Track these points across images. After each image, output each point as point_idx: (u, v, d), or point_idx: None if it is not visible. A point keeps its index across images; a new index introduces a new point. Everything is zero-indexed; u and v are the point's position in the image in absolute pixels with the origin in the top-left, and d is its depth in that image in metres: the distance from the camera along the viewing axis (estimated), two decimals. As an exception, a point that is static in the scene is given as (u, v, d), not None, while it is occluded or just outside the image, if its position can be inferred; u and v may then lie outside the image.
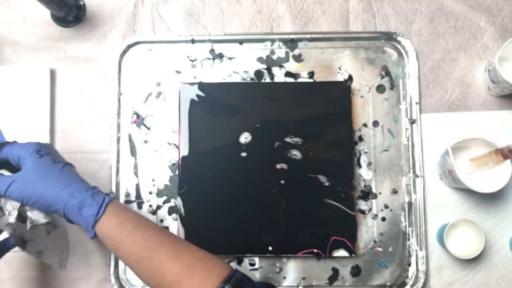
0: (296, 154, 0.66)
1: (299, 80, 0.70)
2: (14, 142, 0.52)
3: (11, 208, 0.51)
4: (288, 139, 0.67)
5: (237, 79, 0.70)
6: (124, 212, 0.51)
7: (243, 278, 0.48)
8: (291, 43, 0.71)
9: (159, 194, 0.68)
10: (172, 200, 0.68)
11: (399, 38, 0.70)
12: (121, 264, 0.67)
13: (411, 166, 0.68)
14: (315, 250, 0.65)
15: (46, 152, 0.51)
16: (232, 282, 0.46)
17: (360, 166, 0.68)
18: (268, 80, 0.70)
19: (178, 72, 0.71)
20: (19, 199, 0.49)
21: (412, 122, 0.68)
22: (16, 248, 0.57)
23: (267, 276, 0.66)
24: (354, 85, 0.70)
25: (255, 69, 0.70)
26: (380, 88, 0.70)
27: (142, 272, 0.49)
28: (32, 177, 0.49)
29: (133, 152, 0.69)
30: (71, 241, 0.66)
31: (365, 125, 0.69)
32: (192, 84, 0.68)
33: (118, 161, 0.69)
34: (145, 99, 0.70)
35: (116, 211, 0.50)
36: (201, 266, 0.49)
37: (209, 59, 0.71)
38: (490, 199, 0.67)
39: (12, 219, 0.50)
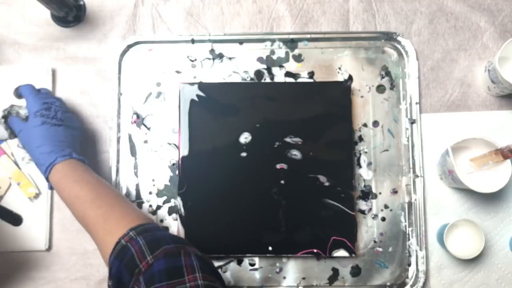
0: (296, 154, 0.66)
1: (299, 80, 0.70)
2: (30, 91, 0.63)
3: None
4: (288, 139, 0.67)
5: (237, 79, 0.70)
6: (73, 170, 0.58)
7: (148, 226, 0.52)
8: (291, 43, 0.71)
9: (159, 194, 0.68)
10: (172, 200, 0.68)
11: (399, 38, 0.70)
12: (121, 264, 0.67)
13: (411, 166, 0.68)
14: (315, 250, 0.65)
15: (42, 113, 0.60)
16: (137, 228, 0.51)
17: (360, 166, 0.68)
18: (268, 80, 0.70)
19: (178, 72, 0.71)
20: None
21: (412, 122, 0.68)
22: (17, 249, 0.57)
23: (267, 276, 0.66)
24: (354, 85, 0.70)
25: (255, 69, 0.70)
26: (380, 88, 0.70)
27: (76, 218, 0.56)
28: (28, 131, 0.60)
29: (133, 152, 0.69)
30: (71, 241, 0.67)
31: (365, 125, 0.69)
32: (192, 84, 0.68)
33: (118, 161, 0.69)
34: (145, 99, 0.70)
35: (66, 169, 0.58)
36: (115, 217, 0.53)
37: (209, 59, 0.71)
38: (490, 199, 0.67)
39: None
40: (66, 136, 0.61)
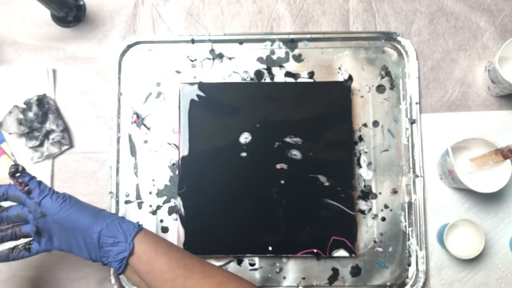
0: (296, 154, 0.66)
1: (299, 80, 0.70)
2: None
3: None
4: (288, 139, 0.67)
5: (237, 79, 0.70)
6: (155, 234, 0.53)
7: None
8: (291, 43, 0.71)
9: (159, 194, 0.68)
10: (172, 200, 0.68)
11: (399, 38, 0.70)
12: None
13: (411, 166, 0.68)
14: (315, 250, 0.65)
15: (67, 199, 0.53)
16: None
17: (360, 166, 0.68)
18: (268, 80, 0.70)
19: (178, 72, 0.71)
20: (54, 211, 0.50)
21: (412, 122, 0.68)
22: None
23: (267, 276, 0.66)
24: (354, 85, 0.70)
25: (255, 69, 0.70)
26: (380, 88, 0.70)
27: None
28: (72, 198, 0.52)
29: (133, 152, 0.69)
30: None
31: (365, 125, 0.69)
32: (192, 84, 0.68)
33: (118, 161, 0.69)
34: (145, 99, 0.70)
35: (149, 233, 0.52)
36: (233, 285, 0.50)
37: (209, 59, 0.71)
38: (490, 199, 0.67)
39: None
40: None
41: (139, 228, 0.51)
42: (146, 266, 0.49)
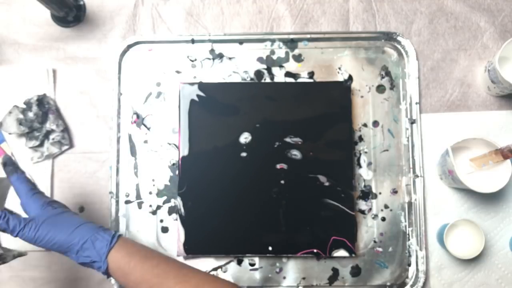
0: (296, 154, 0.66)
1: (299, 80, 0.70)
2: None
3: None
4: (288, 139, 0.67)
5: (237, 79, 0.70)
6: (132, 244, 0.53)
7: None
8: (291, 43, 0.71)
9: (159, 194, 0.68)
10: (172, 200, 0.68)
11: (399, 38, 0.70)
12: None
13: (411, 166, 0.68)
14: (315, 250, 0.65)
15: (54, 205, 0.53)
16: None
17: (360, 166, 0.68)
18: (268, 80, 0.70)
19: (178, 72, 0.71)
20: (32, 241, 0.50)
21: (412, 122, 0.68)
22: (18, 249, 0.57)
23: (267, 276, 0.66)
24: (354, 85, 0.70)
25: (255, 69, 0.70)
26: (380, 88, 0.70)
27: None
28: (46, 220, 0.51)
29: (133, 152, 0.69)
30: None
31: (365, 125, 0.69)
32: (192, 84, 0.68)
33: (118, 161, 0.69)
34: (145, 99, 0.70)
35: (125, 244, 0.52)
36: (209, 285, 0.50)
37: (209, 59, 0.71)
38: (490, 199, 0.67)
39: None
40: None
41: (112, 244, 0.51)
42: (122, 279, 0.51)
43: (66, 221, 0.52)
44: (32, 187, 0.54)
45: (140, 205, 0.68)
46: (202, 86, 0.68)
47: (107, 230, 0.52)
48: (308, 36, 0.70)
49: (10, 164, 0.55)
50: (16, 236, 0.50)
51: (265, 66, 0.70)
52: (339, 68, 0.70)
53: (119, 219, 0.68)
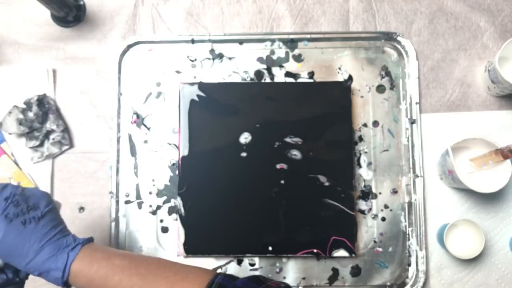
0: (296, 154, 0.66)
1: (299, 80, 0.70)
2: None
3: None
4: (288, 139, 0.67)
5: (237, 79, 0.70)
6: (91, 255, 0.48)
7: (223, 281, 0.47)
8: (291, 43, 0.71)
9: (159, 194, 0.68)
10: (172, 200, 0.68)
11: (399, 38, 0.70)
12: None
13: (411, 166, 0.68)
14: (315, 250, 0.65)
15: (15, 212, 0.47)
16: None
17: (360, 166, 0.68)
18: (268, 80, 0.70)
19: (178, 72, 0.71)
20: None
21: (412, 122, 0.68)
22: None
23: (267, 276, 0.66)
24: (354, 85, 0.70)
25: (255, 69, 0.70)
26: (380, 88, 0.70)
27: None
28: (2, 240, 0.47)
29: (133, 152, 0.69)
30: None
31: (365, 125, 0.69)
32: (192, 84, 0.68)
33: (118, 161, 0.69)
34: (145, 99, 0.70)
35: (82, 263, 0.47)
36: (179, 277, 0.47)
37: (209, 59, 0.71)
38: (490, 199, 0.67)
39: None
40: (55, 219, 0.49)
41: (65, 277, 0.46)
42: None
43: (27, 244, 0.46)
44: None
45: (140, 205, 0.68)
46: (202, 86, 0.68)
47: (62, 253, 0.47)
48: (308, 36, 0.70)
49: None
50: None
51: (265, 66, 0.70)
52: (339, 68, 0.70)
53: (119, 219, 0.68)
